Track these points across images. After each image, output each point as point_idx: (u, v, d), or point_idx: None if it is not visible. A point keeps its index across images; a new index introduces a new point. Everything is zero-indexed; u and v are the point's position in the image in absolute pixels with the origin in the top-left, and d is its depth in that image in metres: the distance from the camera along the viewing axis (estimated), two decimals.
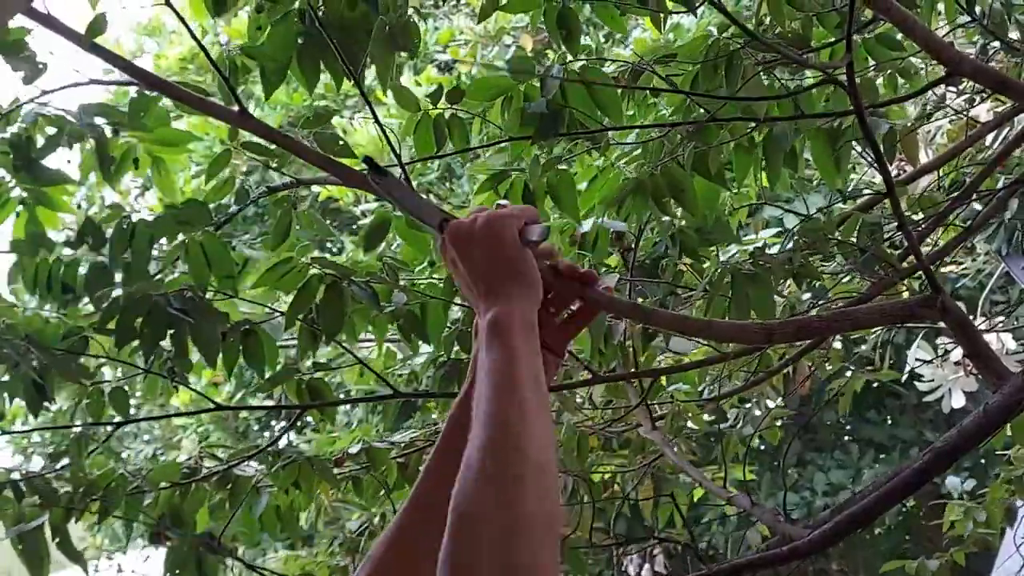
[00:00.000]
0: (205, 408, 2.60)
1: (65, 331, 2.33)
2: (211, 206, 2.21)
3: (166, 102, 2.22)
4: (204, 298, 2.24)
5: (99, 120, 2.18)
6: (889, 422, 8.10)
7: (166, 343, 2.22)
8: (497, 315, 1.06)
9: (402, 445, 2.81)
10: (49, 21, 1.82)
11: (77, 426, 2.49)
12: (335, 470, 2.61)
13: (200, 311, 2.20)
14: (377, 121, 1.66)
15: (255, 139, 2.11)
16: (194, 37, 1.76)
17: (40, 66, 2.06)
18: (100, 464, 2.56)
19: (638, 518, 3.45)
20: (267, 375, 2.37)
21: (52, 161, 2.23)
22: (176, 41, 9.70)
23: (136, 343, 2.21)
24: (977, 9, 2.69)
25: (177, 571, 2.33)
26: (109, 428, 2.53)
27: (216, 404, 2.59)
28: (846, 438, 8.22)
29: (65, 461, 2.52)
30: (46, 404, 2.34)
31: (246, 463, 2.56)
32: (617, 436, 3.10)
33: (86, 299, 2.28)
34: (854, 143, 2.40)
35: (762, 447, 7.45)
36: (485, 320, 1.07)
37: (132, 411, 2.51)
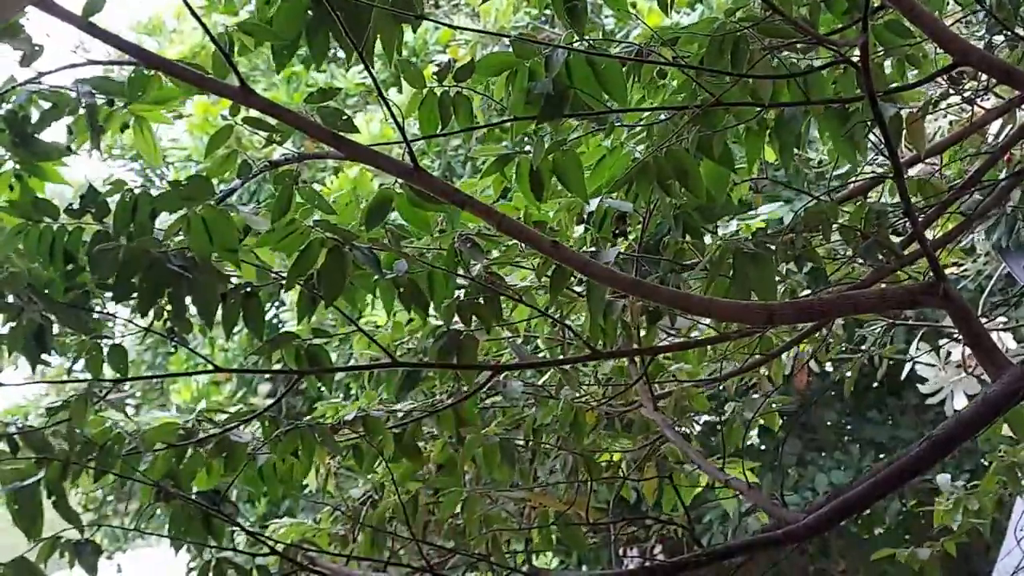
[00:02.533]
0: (203, 370, 2.60)
1: (67, 286, 2.34)
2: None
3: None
4: (204, 256, 2.24)
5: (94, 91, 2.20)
6: (890, 422, 8.08)
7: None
8: None
9: (399, 415, 2.82)
10: (47, 4, 1.83)
11: (76, 381, 2.48)
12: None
13: (200, 269, 2.21)
14: (383, 97, 1.66)
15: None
16: (194, 13, 1.76)
17: (36, 48, 2.07)
18: (97, 423, 2.56)
19: (639, 506, 3.45)
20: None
21: (49, 135, 2.26)
22: (176, 40, 9.71)
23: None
24: (986, 2, 2.70)
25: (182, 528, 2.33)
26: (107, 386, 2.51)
27: (215, 366, 2.59)
28: (847, 438, 8.20)
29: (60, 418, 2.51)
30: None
31: (242, 428, 2.57)
32: (619, 417, 3.10)
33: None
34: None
35: (762, 447, 7.44)
36: None
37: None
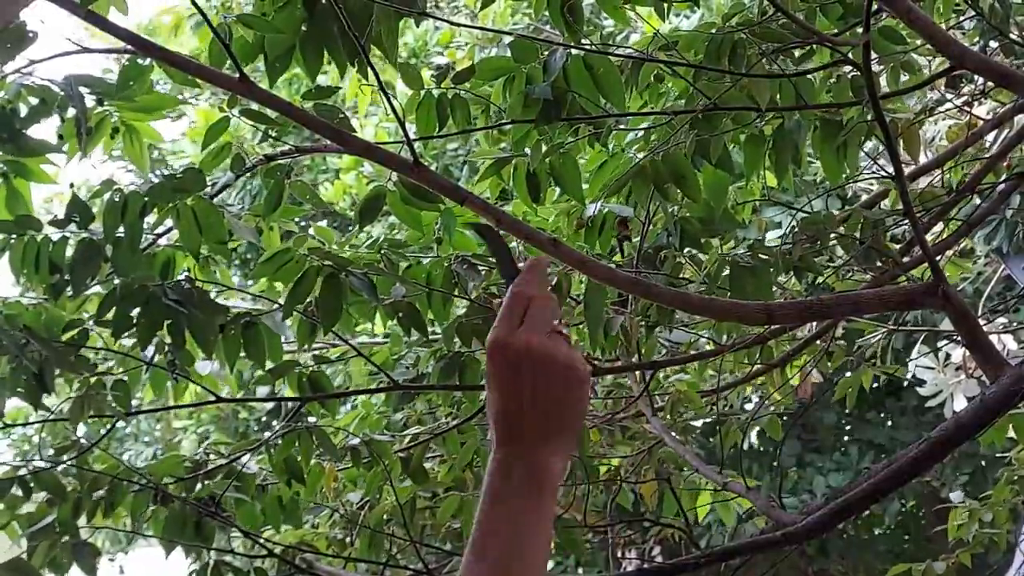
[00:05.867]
0: (207, 400, 2.60)
1: (66, 323, 2.32)
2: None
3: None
4: (202, 289, 2.25)
5: (84, 91, 2.16)
6: (889, 423, 8.09)
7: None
8: (541, 463, 1.01)
9: (405, 440, 2.82)
10: None
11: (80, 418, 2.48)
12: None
13: (197, 302, 2.21)
14: (384, 93, 1.66)
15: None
16: (197, 6, 1.75)
17: (30, 35, 2.04)
18: (104, 459, 2.57)
19: (636, 508, 3.46)
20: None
21: (38, 133, 2.22)
22: (176, 42, 9.72)
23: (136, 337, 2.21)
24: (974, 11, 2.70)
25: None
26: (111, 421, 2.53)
27: (218, 396, 2.60)
28: (846, 439, 8.21)
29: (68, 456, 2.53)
30: (47, 401, 2.34)
31: (248, 459, 2.58)
32: (620, 427, 3.11)
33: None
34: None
35: (761, 448, 7.45)
36: (528, 462, 1.01)
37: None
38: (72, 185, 2.63)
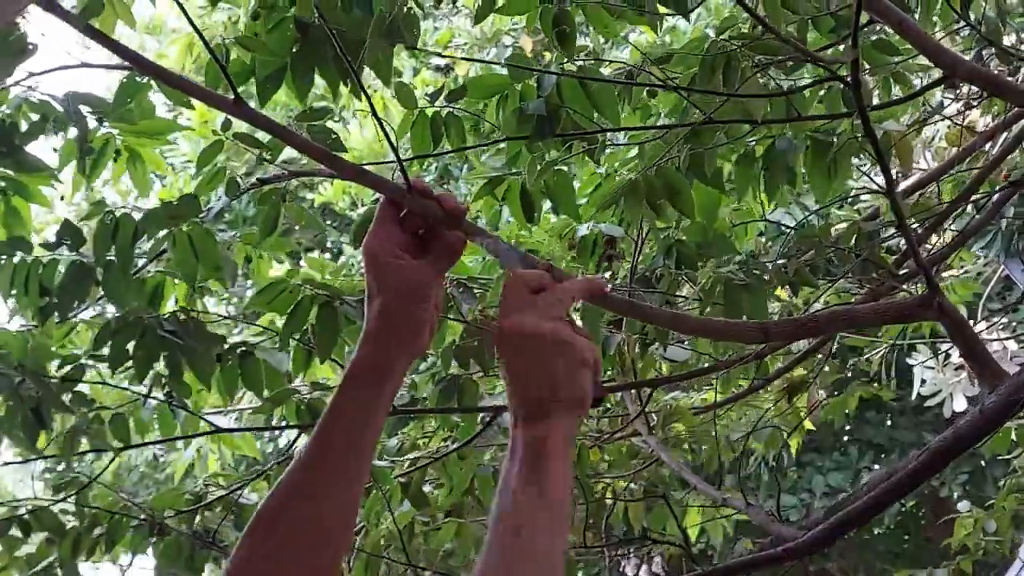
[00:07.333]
0: (204, 431, 2.60)
1: (61, 359, 2.32)
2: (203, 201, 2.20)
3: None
4: (198, 320, 2.25)
5: (84, 109, 2.15)
6: (889, 423, 8.08)
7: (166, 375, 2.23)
8: (546, 434, 1.01)
9: (405, 465, 2.82)
10: (48, 3, 1.80)
11: (83, 452, 2.48)
12: None
13: (193, 333, 2.21)
14: (376, 115, 1.65)
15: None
16: (192, 23, 1.74)
17: (30, 47, 2.03)
18: (105, 495, 2.58)
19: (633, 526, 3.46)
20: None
21: (36, 150, 2.21)
22: (177, 41, 9.68)
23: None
24: (971, 17, 2.69)
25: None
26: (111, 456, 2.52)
27: (215, 427, 2.59)
28: (845, 438, 8.20)
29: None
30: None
31: (248, 490, 2.58)
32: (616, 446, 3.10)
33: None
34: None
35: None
36: (531, 434, 1.02)
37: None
38: (62, 197, 2.61)
